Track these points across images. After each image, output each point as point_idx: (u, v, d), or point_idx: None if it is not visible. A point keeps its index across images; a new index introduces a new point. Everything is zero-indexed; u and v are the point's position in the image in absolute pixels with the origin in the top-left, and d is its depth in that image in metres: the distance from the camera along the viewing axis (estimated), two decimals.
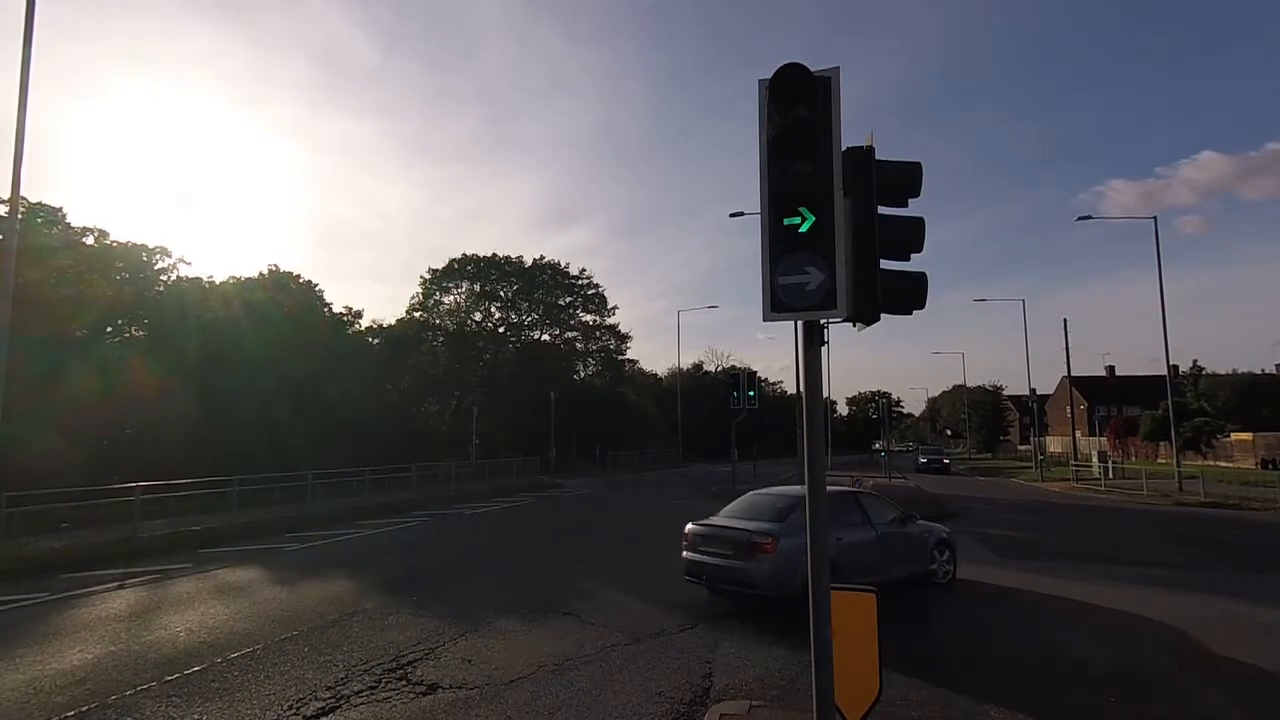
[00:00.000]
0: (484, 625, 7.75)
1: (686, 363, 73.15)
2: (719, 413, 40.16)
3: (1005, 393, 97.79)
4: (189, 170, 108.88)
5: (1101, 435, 62.18)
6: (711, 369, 71.45)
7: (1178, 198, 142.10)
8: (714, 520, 9.40)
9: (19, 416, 14.85)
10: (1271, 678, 6.27)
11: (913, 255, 4.13)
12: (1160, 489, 27.49)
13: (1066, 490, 31.37)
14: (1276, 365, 66.44)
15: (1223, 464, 46.95)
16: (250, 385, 24.82)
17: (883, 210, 4.02)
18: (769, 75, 3.76)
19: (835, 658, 3.82)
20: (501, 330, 49.25)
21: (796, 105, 3.72)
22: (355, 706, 5.40)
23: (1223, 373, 64.75)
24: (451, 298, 48.54)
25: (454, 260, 48.11)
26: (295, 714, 5.25)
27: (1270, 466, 40.57)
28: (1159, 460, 49.04)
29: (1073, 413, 53.82)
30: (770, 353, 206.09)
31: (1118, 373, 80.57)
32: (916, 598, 9.26)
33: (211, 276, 30.51)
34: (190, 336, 24.69)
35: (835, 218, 3.71)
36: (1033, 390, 47.34)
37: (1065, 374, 50.12)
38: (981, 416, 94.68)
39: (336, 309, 35.42)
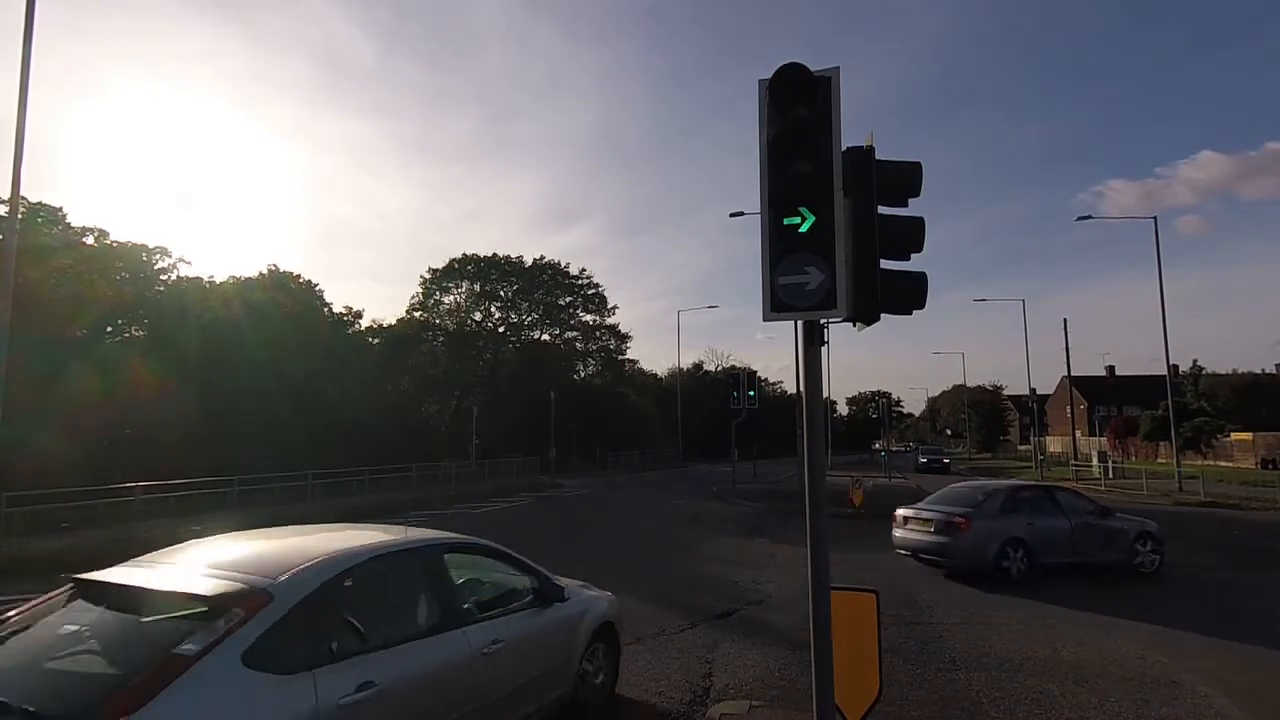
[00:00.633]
0: None
1: (686, 363, 73.24)
2: (719, 413, 40.22)
3: (1005, 393, 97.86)
4: (189, 170, 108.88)
5: (1101, 435, 62.20)
6: (711, 369, 71.53)
7: (1177, 198, 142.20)
8: (920, 505, 11.91)
9: (19, 416, 14.85)
10: (1269, 675, 6.28)
11: (913, 255, 4.13)
12: (1160, 489, 27.49)
13: None
14: (1276, 365, 66.60)
15: (1223, 464, 46.96)
16: (250, 385, 24.84)
17: (883, 210, 4.02)
18: (769, 75, 3.75)
19: (835, 658, 3.82)
20: (501, 330, 49.27)
21: (796, 105, 3.72)
22: None
23: (1223, 373, 64.83)
24: (451, 298, 48.58)
25: (454, 260, 48.16)
26: None
27: (1270, 466, 40.59)
28: (1159, 460, 49.05)
29: (1073, 413, 53.85)
30: (770, 353, 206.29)
31: (1118, 373, 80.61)
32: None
33: (212, 276, 30.63)
34: (190, 336, 24.72)
35: (835, 218, 3.71)
36: (1033, 390, 47.36)
37: (1065, 374, 50.16)
38: (981, 416, 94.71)
39: (336, 309, 35.53)
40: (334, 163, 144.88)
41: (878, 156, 4.01)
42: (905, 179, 4.10)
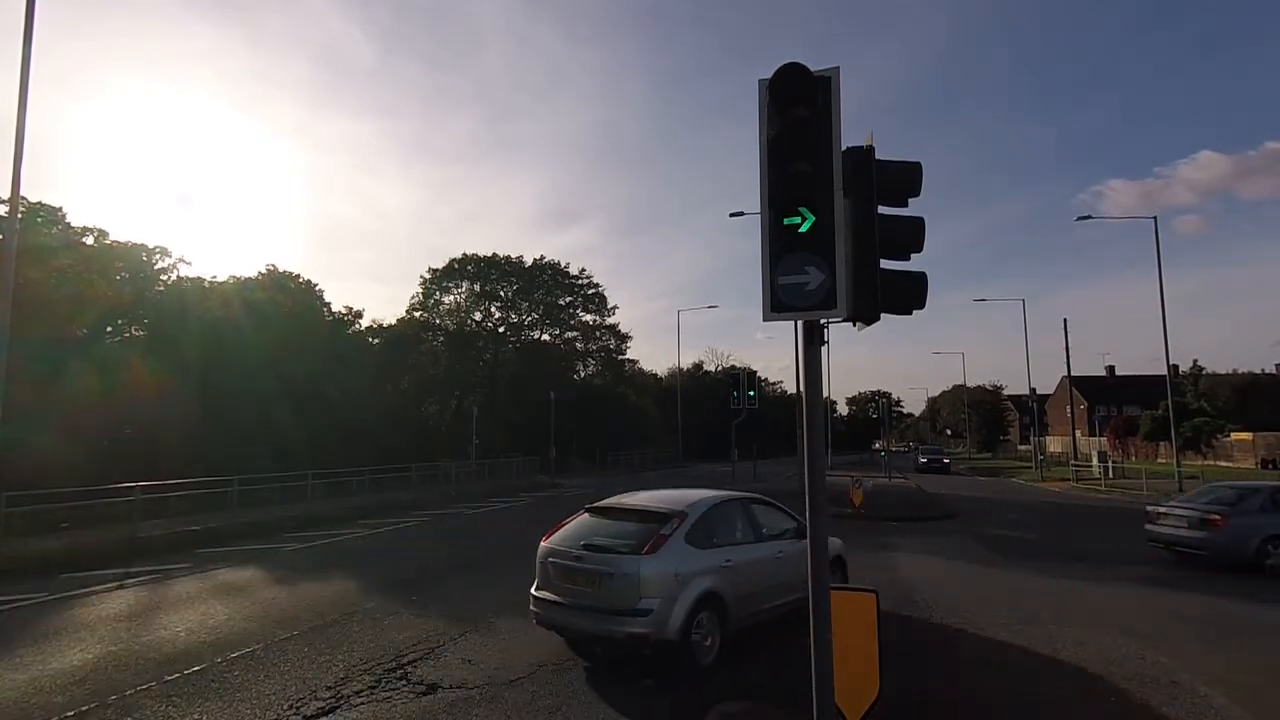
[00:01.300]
0: (484, 625, 7.75)
1: (686, 363, 73.23)
2: (719, 413, 40.21)
3: (1005, 393, 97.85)
4: (189, 170, 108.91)
5: (1101, 435, 62.17)
6: (711, 369, 71.50)
7: (1177, 197, 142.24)
8: (1173, 503, 12.93)
9: (19, 416, 14.84)
10: (1268, 673, 6.27)
11: (913, 255, 4.13)
12: (1160, 489, 27.48)
13: (1067, 490, 31.38)
14: (1276, 365, 66.57)
15: (1223, 464, 46.94)
16: (250, 385, 24.83)
17: (883, 210, 4.02)
18: (769, 75, 3.75)
19: (835, 658, 3.81)
20: (501, 330, 49.23)
21: (796, 105, 3.71)
22: (355, 706, 5.40)
23: (1223, 373, 64.78)
24: (451, 298, 48.53)
25: (454, 260, 48.11)
26: (295, 714, 5.25)
27: (1270, 466, 40.60)
28: (1159, 460, 49.03)
29: (1073, 413, 53.83)
30: (770, 353, 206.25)
31: (1118, 373, 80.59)
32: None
33: (213, 276, 30.57)
34: (190, 336, 24.70)
35: (835, 218, 3.71)
36: (1033, 390, 47.34)
37: (1065, 374, 50.14)
38: (981, 416, 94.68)
39: (336, 309, 35.47)
40: (334, 163, 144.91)
41: (878, 156, 4.01)
42: (905, 179, 4.10)
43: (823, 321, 3.98)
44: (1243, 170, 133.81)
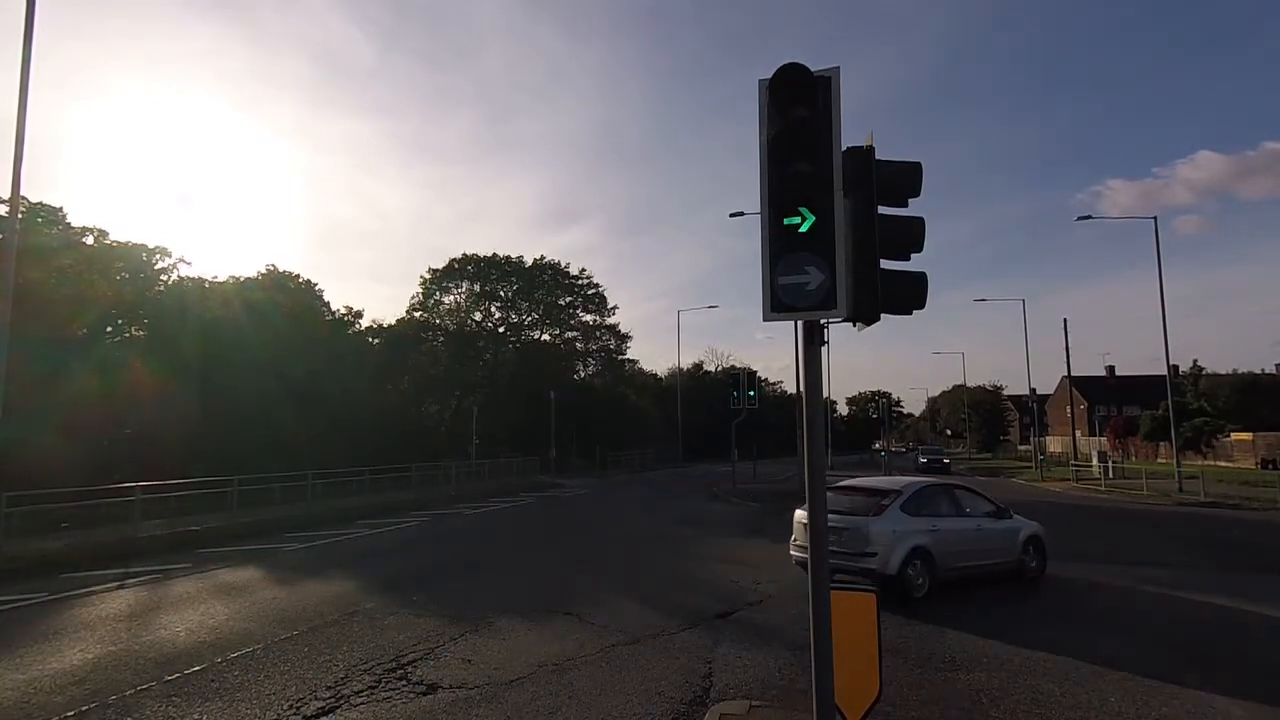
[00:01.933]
0: (484, 625, 7.75)
1: (686, 363, 73.21)
2: (719, 413, 40.20)
3: (1005, 393, 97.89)
4: (189, 170, 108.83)
5: (1101, 435, 62.18)
6: (711, 369, 71.50)
7: (1176, 197, 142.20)
8: None
9: (19, 416, 14.85)
10: (1268, 673, 6.28)
11: (913, 255, 4.13)
12: (1160, 489, 27.49)
13: (1067, 490, 31.36)
14: (1276, 365, 66.54)
15: (1223, 464, 46.95)
16: (250, 385, 24.84)
17: (883, 210, 4.02)
18: (769, 75, 3.76)
19: (835, 658, 3.82)
20: (501, 330, 49.23)
21: (796, 105, 3.72)
22: (355, 706, 5.39)
23: (1223, 373, 64.79)
24: (451, 298, 48.52)
25: (454, 260, 48.10)
26: (295, 714, 5.25)
27: (1270, 466, 40.57)
28: (1159, 460, 49.05)
29: (1073, 413, 53.83)
30: (770, 353, 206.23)
31: (1118, 373, 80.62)
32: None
33: (213, 276, 30.58)
34: (190, 336, 24.71)
35: (835, 218, 3.71)
36: (1033, 390, 47.37)
37: (1065, 374, 50.18)
38: (981, 416, 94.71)
39: (336, 309, 35.50)
40: (334, 163, 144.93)
41: (878, 156, 4.01)
42: (905, 179, 4.11)
43: (823, 321, 3.98)
44: (1242, 170, 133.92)
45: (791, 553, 9.95)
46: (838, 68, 3.83)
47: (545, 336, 51.58)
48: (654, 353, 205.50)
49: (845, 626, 3.97)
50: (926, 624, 7.93)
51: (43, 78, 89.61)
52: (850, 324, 3.99)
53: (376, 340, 40.02)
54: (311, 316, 31.68)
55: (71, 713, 5.27)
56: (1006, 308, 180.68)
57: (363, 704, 5.44)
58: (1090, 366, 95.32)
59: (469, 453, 30.99)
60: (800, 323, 4.46)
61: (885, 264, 3.97)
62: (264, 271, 32.68)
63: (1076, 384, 58.48)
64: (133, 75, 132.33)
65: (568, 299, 51.78)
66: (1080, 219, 61.75)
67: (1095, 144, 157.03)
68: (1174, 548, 14.42)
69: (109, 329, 24.89)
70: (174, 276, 27.32)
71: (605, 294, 52.74)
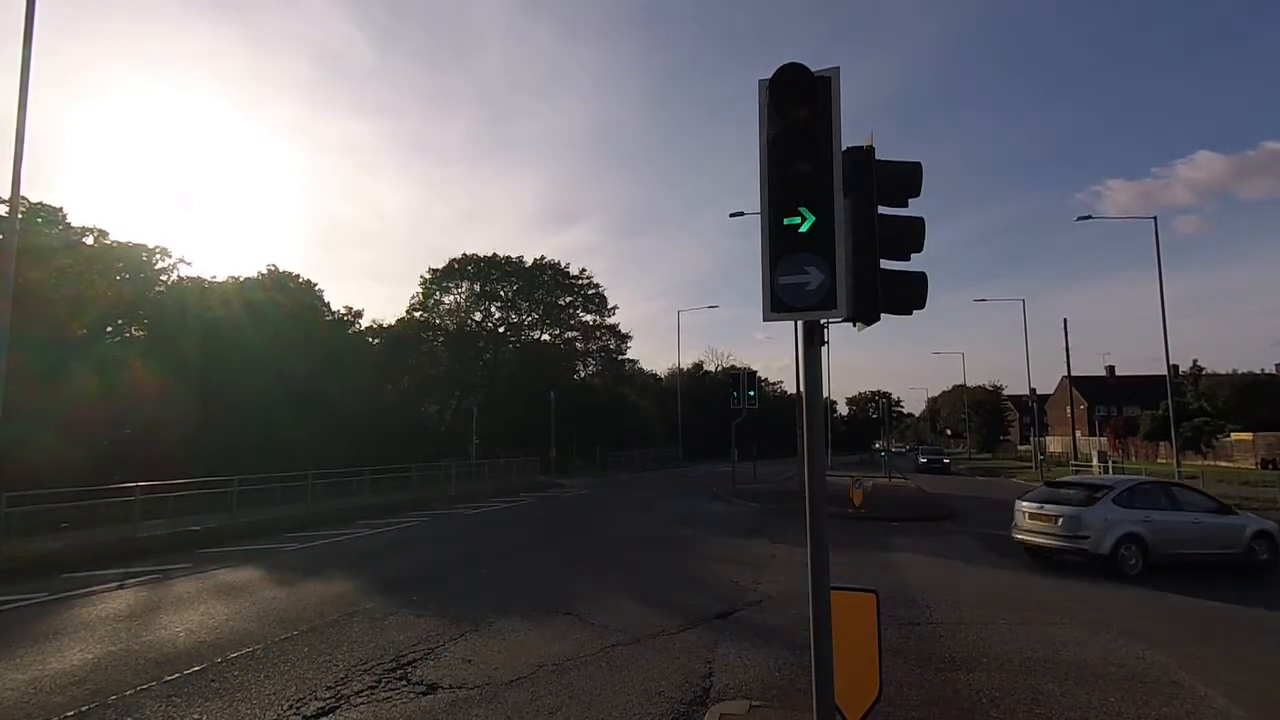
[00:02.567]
0: (484, 625, 7.75)
1: (686, 363, 73.20)
2: (719, 413, 40.14)
3: (1005, 393, 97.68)
4: (189, 170, 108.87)
5: (1101, 435, 62.14)
6: (711, 369, 71.47)
7: (1175, 197, 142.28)
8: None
9: (19, 416, 14.84)
10: (1267, 674, 6.27)
11: (913, 255, 4.13)
12: None
13: None
14: (1276, 365, 66.48)
15: (1223, 464, 46.94)
16: (250, 385, 24.83)
17: (883, 210, 4.02)
18: (769, 75, 3.76)
19: (835, 658, 3.81)
20: (501, 330, 49.21)
21: (797, 105, 3.72)
22: (355, 706, 5.40)
23: (1223, 373, 64.74)
24: (452, 297, 48.48)
25: (454, 260, 48.05)
26: (295, 714, 5.25)
27: (1270, 466, 40.56)
28: (1159, 460, 49.02)
29: (1073, 413, 53.80)
30: (770, 353, 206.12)
31: (1118, 373, 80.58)
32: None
33: (213, 276, 30.56)
34: (190, 336, 24.69)
35: (835, 218, 3.71)
36: (1033, 390, 47.33)
37: (1065, 374, 50.10)
38: (981, 416, 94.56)
39: (336, 309, 35.47)
40: (333, 163, 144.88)
41: (878, 156, 4.01)
42: (905, 179, 4.11)
43: (823, 321, 3.98)
44: (1241, 170, 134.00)
45: (1017, 536, 12.40)
46: (838, 68, 3.83)
47: (545, 336, 51.56)
48: (654, 353, 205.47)
49: (845, 626, 3.97)
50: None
51: (43, 77, 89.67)
52: (850, 324, 3.99)
53: (376, 340, 40.01)
54: (311, 316, 31.66)
55: (72, 713, 5.27)
56: (1006, 308, 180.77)
57: (363, 704, 5.44)
58: (1090, 366, 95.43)
59: (469, 453, 30.97)
60: (800, 323, 4.46)
61: (885, 264, 3.97)
62: (264, 271, 32.67)
63: (1076, 384, 58.43)
64: (133, 75, 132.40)
65: (568, 299, 51.75)
66: (1080, 219, 61.66)
67: (1095, 144, 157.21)
68: None
69: (109, 329, 24.88)
70: (174, 276, 27.32)
71: (605, 294, 52.71)
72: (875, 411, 61.12)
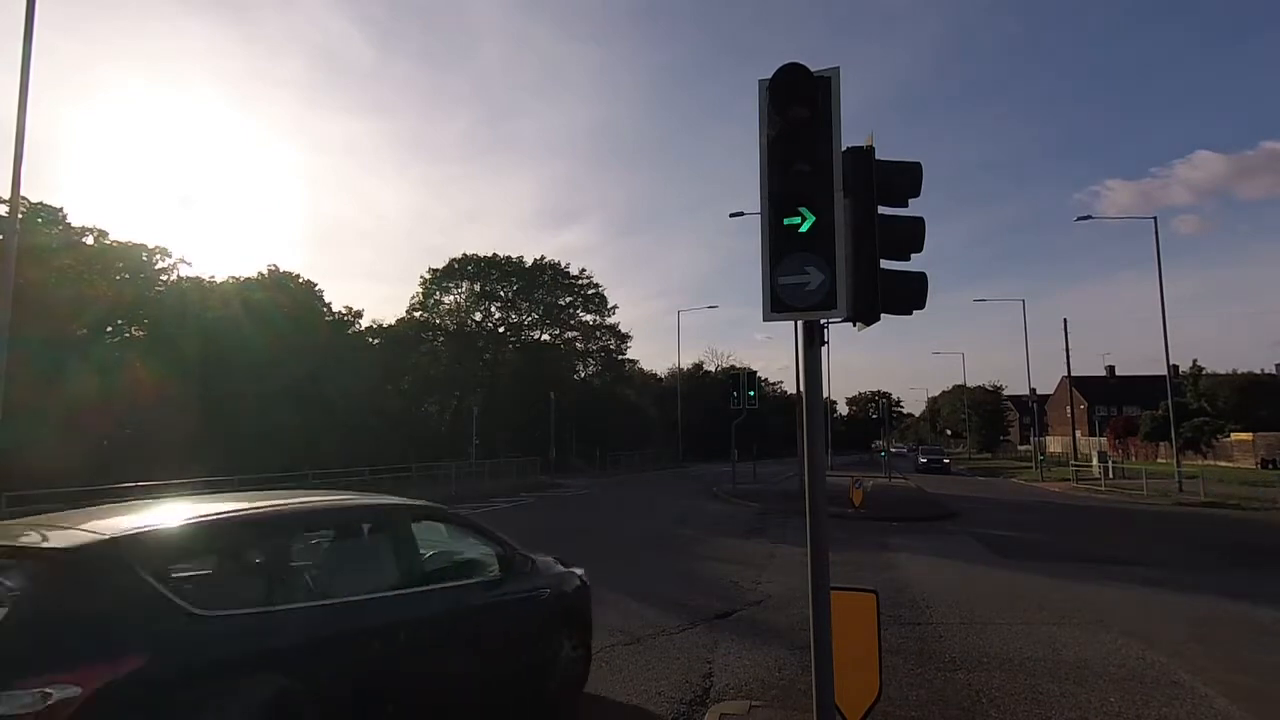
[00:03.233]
0: None
1: (686, 363, 73.12)
2: (719, 413, 40.17)
3: (1005, 393, 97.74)
4: (189, 170, 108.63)
5: (1101, 435, 62.21)
6: (711, 369, 71.47)
7: (1175, 197, 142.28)
8: None
9: (19, 416, 14.84)
10: (1268, 674, 6.28)
11: (913, 255, 4.13)
12: (1160, 489, 27.48)
13: (1067, 490, 31.36)
14: (1276, 365, 66.51)
15: (1223, 464, 46.97)
16: (250, 385, 24.85)
17: (883, 210, 4.02)
18: (769, 75, 3.76)
19: (835, 658, 3.81)
20: (501, 330, 49.25)
21: (796, 105, 3.72)
22: None
23: (1223, 373, 64.77)
24: (451, 298, 48.55)
25: (454, 260, 48.14)
26: None
27: (1270, 466, 40.61)
28: (1159, 460, 49.04)
29: (1073, 413, 53.84)
30: (770, 353, 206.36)
31: (1118, 373, 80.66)
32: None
33: (212, 276, 30.59)
34: (190, 337, 24.72)
35: (835, 218, 3.71)
36: (1033, 390, 47.34)
37: (1065, 374, 50.17)
38: (981, 416, 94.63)
39: (336, 309, 35.52)
40: (333, 162, 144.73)
41: (878, 156, 4.01)
42: (905, 179, 4.11)
43: (823, 322, 3.99)
44: (1240, 170, 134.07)
45: None
46: (837, 68, 3.83)
47: (545, 336, 51.63)
48: (654, 353, 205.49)
49: (845, 626, 3.97)
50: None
51: (43, 77, 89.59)
52: (850, 324, 3.99)
53: (377, 340, 40.05)
54: (312, 317, 31.70)
55: None
56: (1006, 308, 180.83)
57: None
58: (1090, 366, 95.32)
59: (469, 453, 30.99)
60: (800, 323, 4.46)
61: (885, 264, 3.97)
62: (264, 272, 32.74)
63: (1076, 384, 58.46)
64: (132, 75, 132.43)
65: (568, 299, 51.81)
66: (1080, 219, 61.71)
67: (1094, 144, 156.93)
68: (1176, 549, 14.41)
69: (109, 329, 24.90)
70: (174, 276, 27.40)
71: (605, 294, 52.82)
72: (875, 412, 61.19)
